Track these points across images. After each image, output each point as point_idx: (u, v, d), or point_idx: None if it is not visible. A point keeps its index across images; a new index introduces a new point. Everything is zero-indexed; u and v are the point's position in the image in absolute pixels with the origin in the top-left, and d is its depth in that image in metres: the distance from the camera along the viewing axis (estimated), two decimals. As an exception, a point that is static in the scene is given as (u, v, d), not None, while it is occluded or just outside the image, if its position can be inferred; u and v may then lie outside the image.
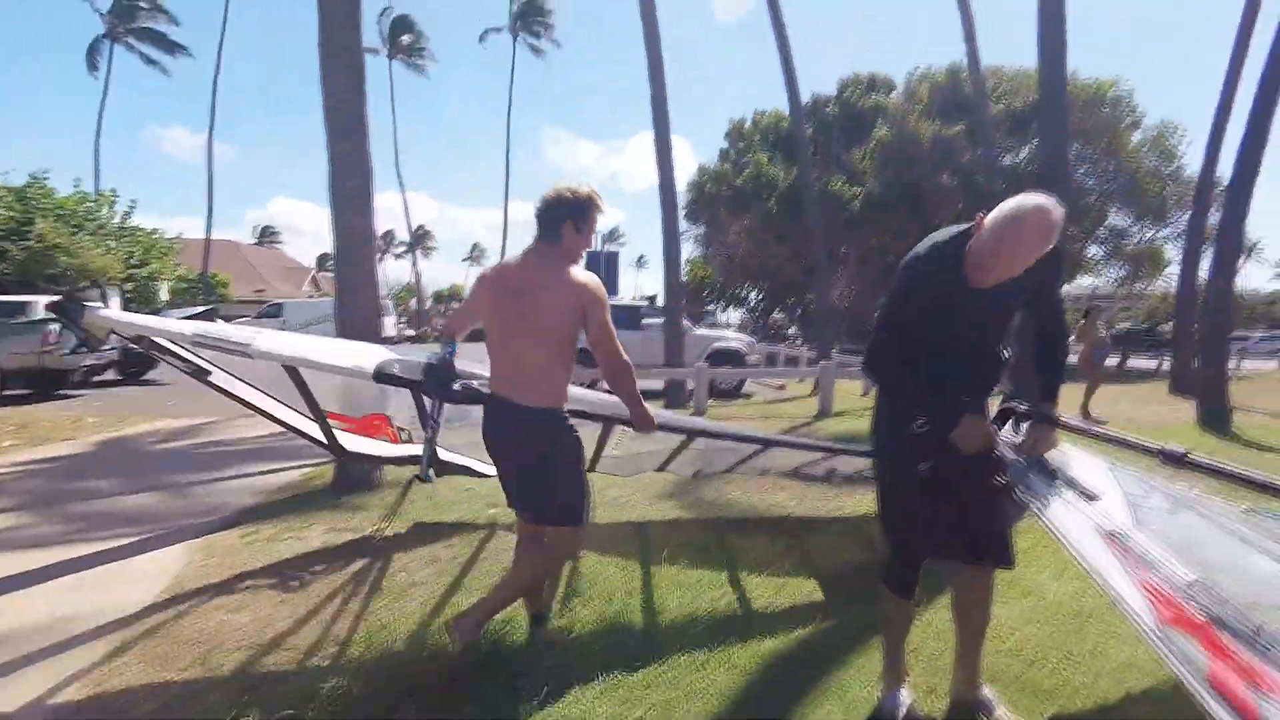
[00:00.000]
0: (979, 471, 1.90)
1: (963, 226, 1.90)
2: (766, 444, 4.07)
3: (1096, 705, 2.17)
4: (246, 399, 3.23)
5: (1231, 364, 11.90)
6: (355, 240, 4.99)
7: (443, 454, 3.32)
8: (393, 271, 68.12)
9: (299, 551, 3.60)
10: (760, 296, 42.06)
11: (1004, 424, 2.07)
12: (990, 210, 1.82)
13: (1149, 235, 24.88)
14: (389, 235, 67.26)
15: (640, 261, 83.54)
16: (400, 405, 3.86)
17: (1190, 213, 15.96)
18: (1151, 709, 2.15)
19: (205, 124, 37.90)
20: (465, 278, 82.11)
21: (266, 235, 68.02)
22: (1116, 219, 25.06)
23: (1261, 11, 11.95)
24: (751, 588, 3.10)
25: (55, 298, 2.74)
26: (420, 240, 65.70)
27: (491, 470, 4.01)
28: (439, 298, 59.85)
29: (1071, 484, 1.83)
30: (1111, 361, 19.77)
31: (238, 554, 3.56)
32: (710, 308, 46.23)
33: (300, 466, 5.49)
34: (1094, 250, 26.47)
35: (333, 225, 4.96)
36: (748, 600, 2.98)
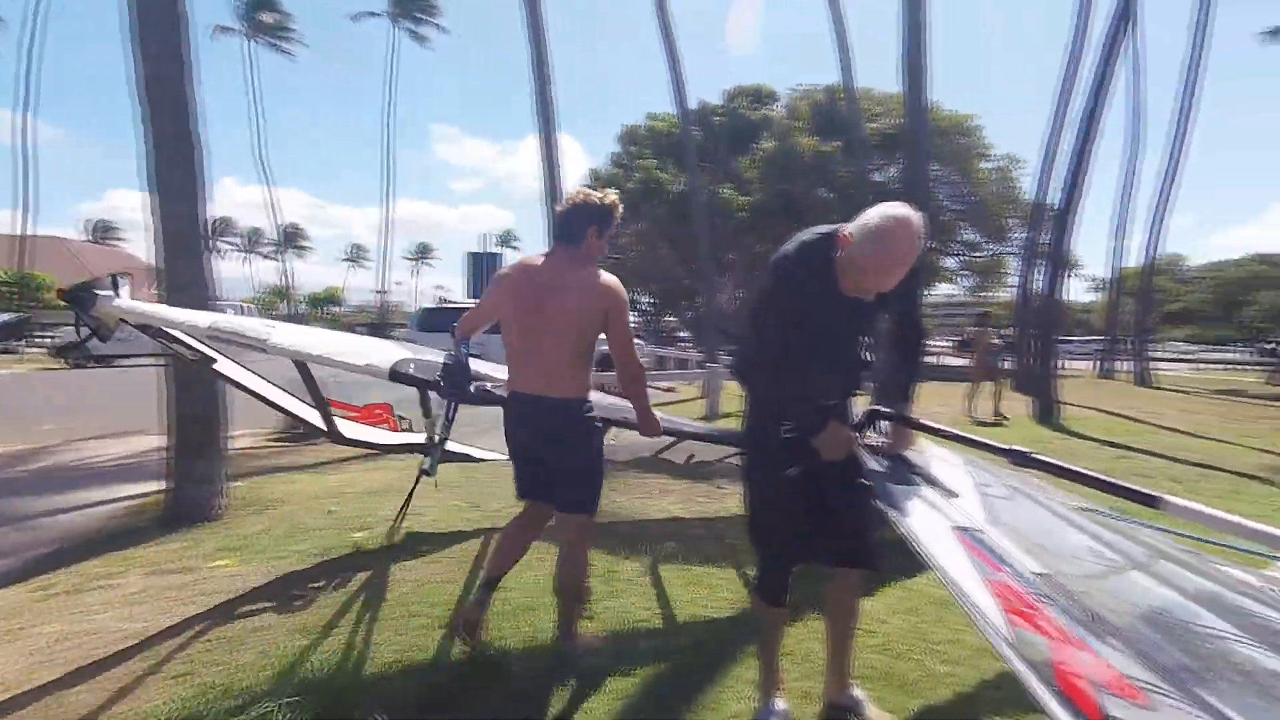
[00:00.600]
0: (844, 475, 1.95)
1: (827, 229, 1.91)
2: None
3: (955, 693, 2.28)
4: (250, 386, 3.30)
5: (1058, 365, 13.42)
6: (182, 232, 4.35)
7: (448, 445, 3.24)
8: (261, 272, 63.27)
9: (108, 602, 2.98)
10: (652, 300, 42.68)
11: (868, 427, 2.12)
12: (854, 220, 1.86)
13: (994, 251, 27.57)
14: (256, 233, 62.39)
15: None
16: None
17: (1027, 233, 17.81)
18: (1004, 692, 2.29)
19: (20, 100, 32.96)
20: (344, 280, 77.55)
21: (103, 231, 60.98)
22: (968, 235, 27.60)
23: (1082, 62, 13.49)
24: (628, 602, 3.06)
25: (68, 286, 2.67)
26: (292, 239, 61.30)
27: (486, 455, 4.06)
28: (314, 301, 56.10)
29: (932, 482, 1.91)
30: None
31: (21, 617, 2.86)
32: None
33: (127, 498, 4.80)
34: (950, 262, 29.03)
35: (154, 215, 4.30)
36: (630, 615, 2.94)
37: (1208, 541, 2.05)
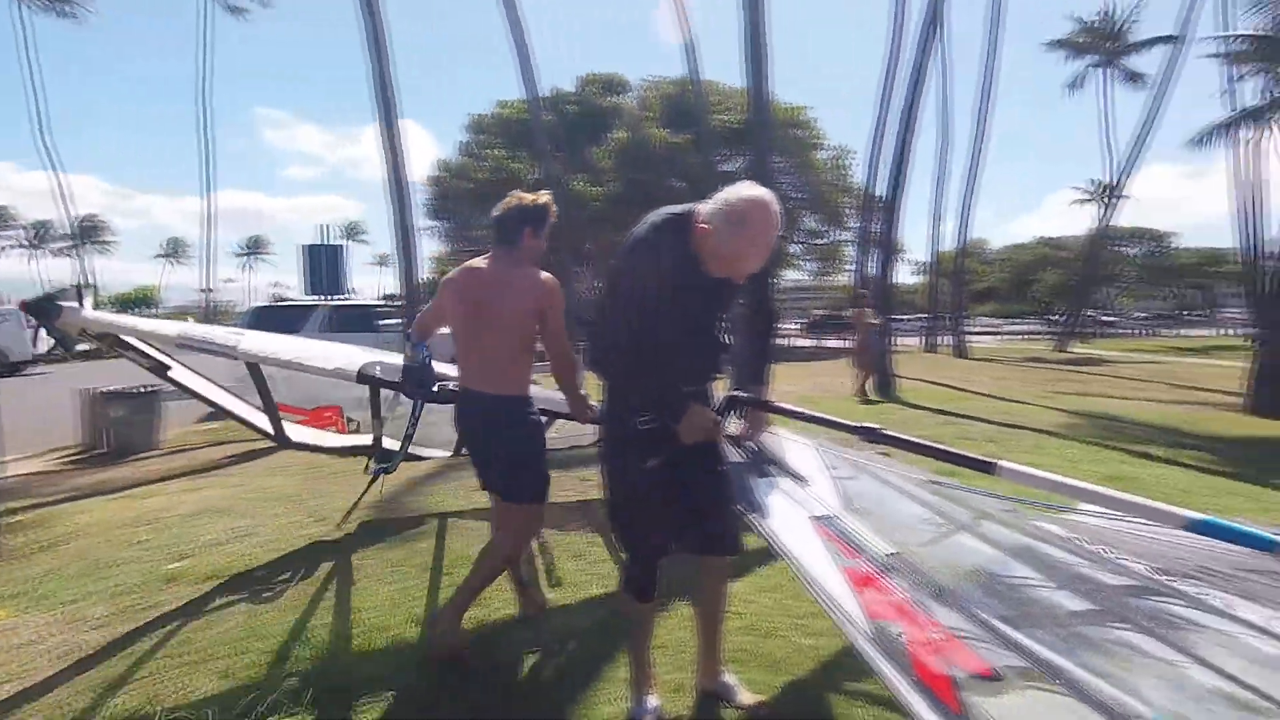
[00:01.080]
0: (703, 460, 1.91)
1: (680, 209, 1.87)
2: None
3: (820, 664, 2.34)
4: (201, 392, 3.40)
5: (890, 341, 14.69)
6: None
7: (390, 442, 3.43)
8: (52, 271, 54.76)
9: None
10: (509, 294, 41.73)
11: (728, 413, 2.10)
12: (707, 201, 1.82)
13: (833, 237, 29.70)
14: (43, 226, 53.91)
15: (383, 261, 77.46)
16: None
17: (861, 216, 19.31)
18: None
19: None
20: (161, 277, 68.83)
21: None
22: (809, 223, 29.50)
23: (899, 59, 14.72)
24: (489, 606, 2.89)
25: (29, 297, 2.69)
26: (90, 232, 53.48)
27: (434, 453, 4.06)
28: (123, 302, 49.13)
29: (788, 470, 1.92)
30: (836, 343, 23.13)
31: None
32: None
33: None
34: (794, 248, 30.90)
35: None
36: (491, 621, 2.77)
37: (1023, 501, 2.23)
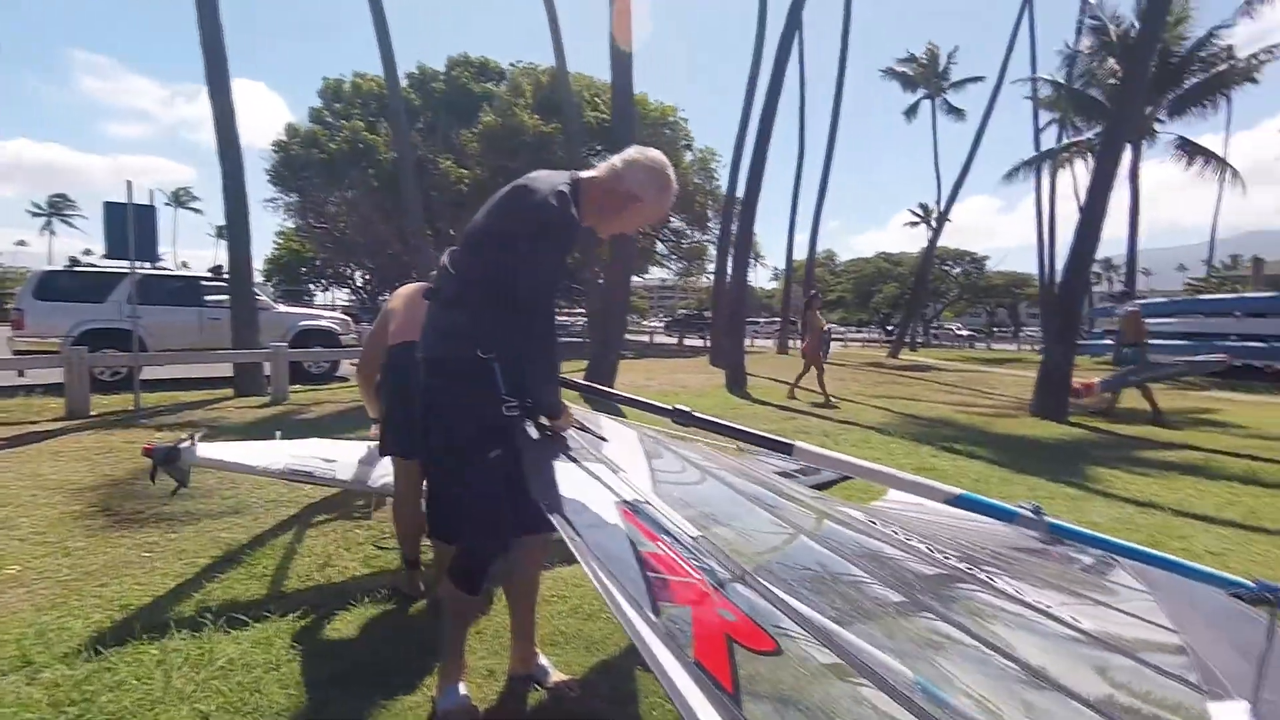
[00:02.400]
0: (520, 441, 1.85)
1: (565, 175, 1.82)
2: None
3: (605, 636, 2.36)
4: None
5: (746, 342, 15.49)
6: None
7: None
8: None
9: None
10: (367, 277, 39.39)
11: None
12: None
13: (698, 238, 30.69)
14: None
15: (221, 232, 69.65)
16: None
17: (721, 220, 20.13)
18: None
19: None
20: (-75, 232, 57.61)
21: None
22: (676, 223, 30.28)
23: (762, 65, 15.49)
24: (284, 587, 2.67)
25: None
26: None
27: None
28: None
29: (602, 457, 1.91)
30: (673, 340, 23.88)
31: None
32: (310, 287, 41.62)
33: None
34: (660, 247, 31.60)
35: None
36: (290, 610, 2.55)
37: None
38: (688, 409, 1.87)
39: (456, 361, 1.76)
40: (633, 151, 1.85)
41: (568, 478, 1.69)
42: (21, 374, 8.21)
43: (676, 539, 1.57)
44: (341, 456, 3.28)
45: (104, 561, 2.98)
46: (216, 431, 5.93)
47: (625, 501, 1.65)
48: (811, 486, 3.16)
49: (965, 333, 43.84)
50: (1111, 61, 20.41)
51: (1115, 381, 9.28)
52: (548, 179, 1.78)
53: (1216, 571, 1.39)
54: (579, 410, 2.09)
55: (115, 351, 8.39)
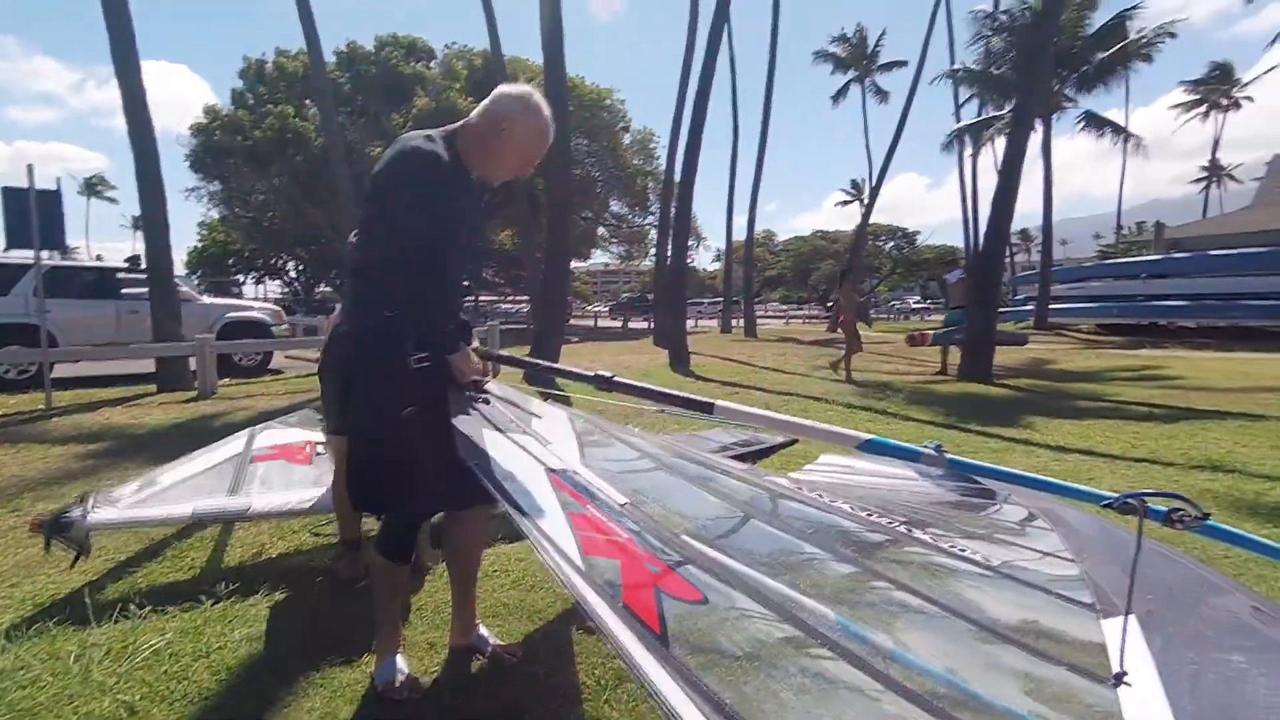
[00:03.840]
0: (451, 408, 1.83)
1: (442, 128, 1.84)
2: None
3: (575, 610, 2.37)
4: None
5: (690, 323, 15.65)
6: None
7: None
8: None
9: None
10: (300, 268, 37.95)
11: (487, 361, 2.06)
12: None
13: (640, 221, 30.67)
14: None
15: (137, 222, 65.63)
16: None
17: (660, 203, 20.16)
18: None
19: None
20: None
21: None
22: (616, 206, 30.18)
23: (696, 48, 15.54)
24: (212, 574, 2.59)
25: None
26: None
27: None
28: None
29: (530, 430, 1.91)
30: (621, 324, 23.85)
31: None
32: (240, 279, 39.81)
33: None
34: (602, 231, 31.43)
35: None
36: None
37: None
38: (609, 374, 1.90)
39: (366, 329, 1.76)
40: (497, 89, 1.87)
41: (496, 447, 1.69)
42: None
43: (604, 503, 1.59)
44: (262, 478, 3.04)
45: (14, 562, 2.83)
46: (137, 437, 5.67)
47: (553, 470, 1.66)
48: (745, 457, 3.23)
49: (920, 306, 45.21)
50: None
51: (943, 337, 10.44)
52: (418, 133, 1.81)
53: (1087, 489, 1.51)
54: (513, 392, 2.09)
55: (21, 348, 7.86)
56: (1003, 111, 22.62)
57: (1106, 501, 1.37)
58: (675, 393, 1.86)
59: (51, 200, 6.59)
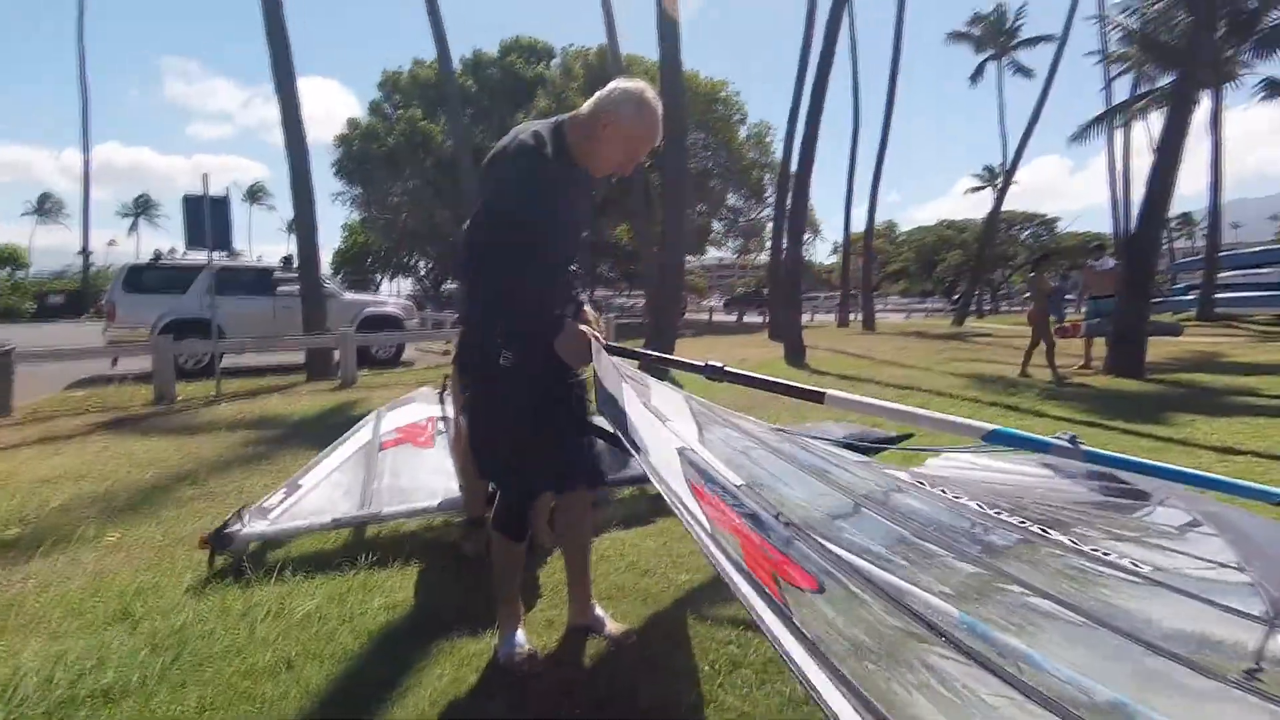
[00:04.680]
0: (561, 394, 1.89)
1: (545, 122, 1.86)
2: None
3: (691, 597, 2.38)
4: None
5: (806, 317, 15.21)
6: None
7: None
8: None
9: None
10: (430, 265, 40.36)
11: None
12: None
13: (756, 214, 30.16)
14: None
15: (292, 226, 72.24)
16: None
17: (776, 195, 19.68)
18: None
19: None
20: (31, 237, 62.23)
21: None
22: (732, 200, 29.82)
23: (815, 35, 15.02)
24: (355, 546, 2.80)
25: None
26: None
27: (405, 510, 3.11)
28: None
29: (650, 408, 1.92)
30: (756, 318, 23.56)
31: None
32: (376, 277, 43.05)
33: None
34: (717, 225, 31.16)
35: None
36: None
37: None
38: (720, 364, 1.88)
39: (472, 312, 1.87)
40: (612, 83, 1.85)
41: (631, 404, 1.71)
42: (115, 363, 8.82)
43: (721, 486, 1.57)
44: (391, 469, 3.22)
45: (192, 529, 3.19)
46: (290, 423, 6.25)
47: (677, 447, 1.66)
48: (857, 450, 3.09)
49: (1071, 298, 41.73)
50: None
51: (1096, 328, 9.44)
52: (524, 127, 1.84)
53: (1259, 486, 1.31)
54: (632, 368, 2.11)
55: (198, 340, 8.91)
56: (1154, 89, 20.24)
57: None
58: (786, 382, 1.83)
59: (222, 206, 7.41)
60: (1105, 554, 1.74)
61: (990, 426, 1.55)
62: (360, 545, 2.89)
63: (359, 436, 3.52)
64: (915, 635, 1.22)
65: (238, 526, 2.65)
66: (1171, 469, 1.45)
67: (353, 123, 27.45)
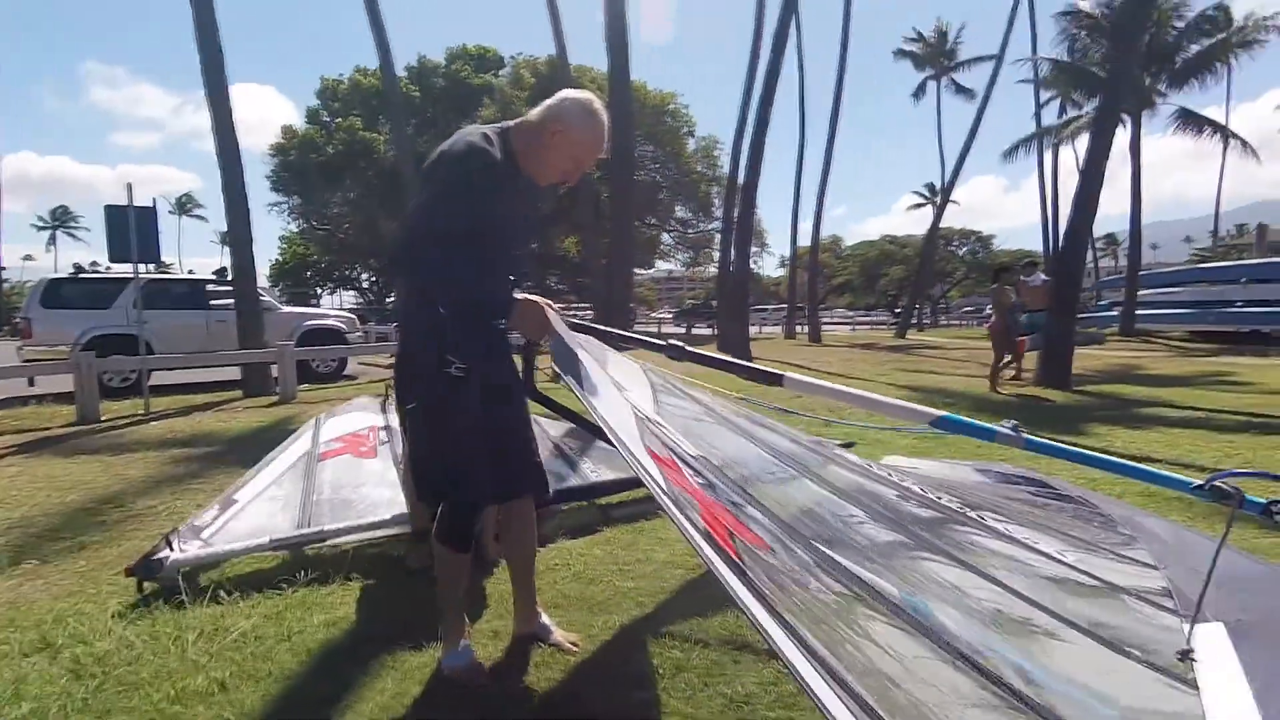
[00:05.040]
0: (507, 402, 1.90)
1: (496, 125, 1.86)
2: None
3: (638, 605, 2.40)
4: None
5: (754, 329, 15.49)
6: None
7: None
8: None
9: None
10: (373, 278, 39.49)
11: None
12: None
13: (704, 227, 30.61)
14: None
15: (225, 238, 69.39)
16: None
17: (724, 208, 20.06)
18: (679, 595, 2.48)
19: None
20: (-65, 251, 57.77)
21: None
22: (681, 212, 30.19)
23: (761, 51, 15.42)
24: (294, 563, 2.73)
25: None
26: None
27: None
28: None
29: (608, 375, 1.96)
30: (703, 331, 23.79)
31: None
32: (317, 290, 41.83)
33: None
34: (666, 238, 31.48)
35: None
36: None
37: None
38: (680, 343, 1.98)
39: (415, 321, 1.83)
40: (560, 92, 1.89)
41: (592, 370, 1.72)
42: (32, 382, 8.33)
43: (676, 454, 1.61)
44: (331, 482, 3.09)
45: (119, 552, 3.05)
46: (225, 440, 6.03)
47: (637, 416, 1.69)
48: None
49: (971, 310, 43.56)
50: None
51: (1038, 342, 9.74)
52: (472, 130, 1.84)
53: (1174, 475, 1.43)
54: (591, 338, 2.13)
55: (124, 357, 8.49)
56: (1084, 111, 21.52)
57: (1195, 485, 1.30)
58: (745, 364, 1.96)
59: (148, 216, 7.12)
60: (1035, 544, 1.87)
61: (938, 413, 1.65)
62: (300, 562, 2.81)
63: (297, 446, 3.42)
64: (857, 599, 1.29)
65: (166, 553, 2.52)
66: (1100, 457, 1.56)
67: (288, 130, 26.73)
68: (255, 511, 2.90)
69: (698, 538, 1.13)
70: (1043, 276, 10.87)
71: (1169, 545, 2.05)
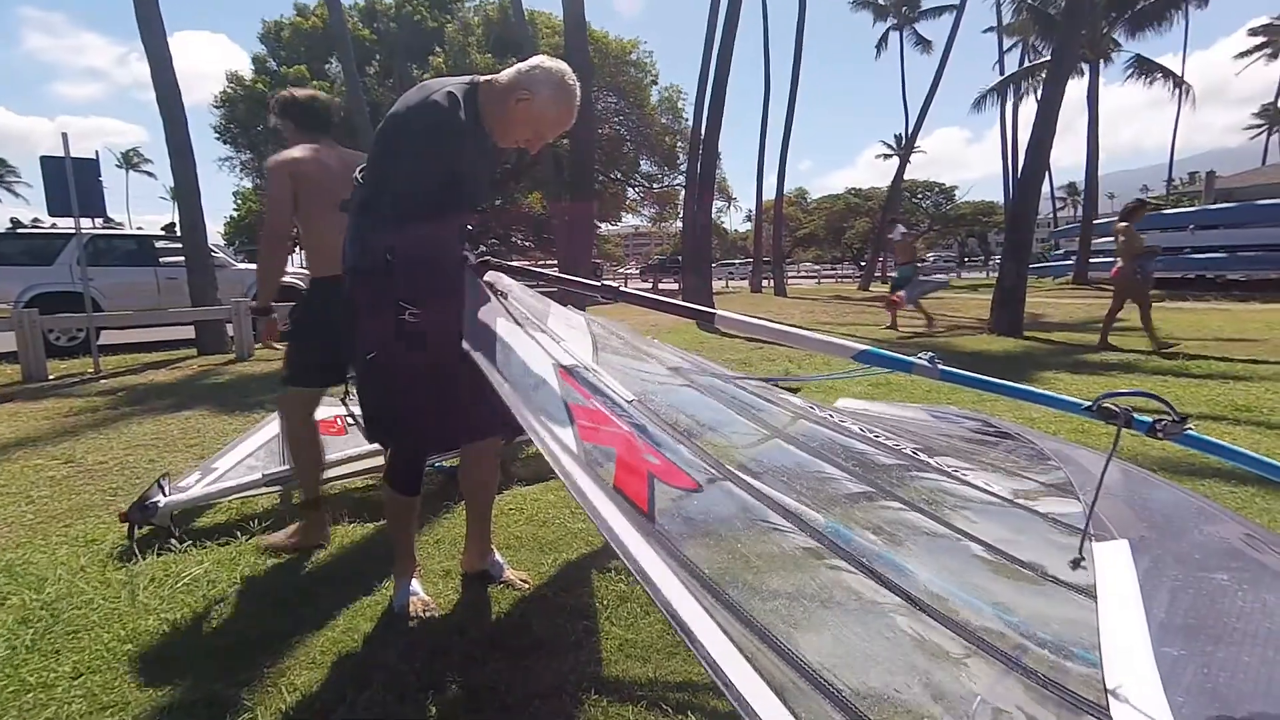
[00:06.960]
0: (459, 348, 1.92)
1: (461, 81, 1.83)
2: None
3: (587, 544, 2.48)
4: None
5: (721, 284, 15.54)
6: None
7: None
8: None
9: None
10: (333, 234, 38.33)
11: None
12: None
13: (670, 181, 30.28)
14: None
15: (174, 193, 66.59)
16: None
17: (688, 162, 19.85)
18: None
19: None
20: None
21: None
22: (646, 166, 29.78)
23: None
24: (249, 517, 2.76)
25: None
26: None
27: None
28: None
29: (545, 329, 1.99)
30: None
31: None
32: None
33: None
34: (632, 193, 31.10)
35: None
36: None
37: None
38: (616, 285, 2.09)
39: (368, 267, 1.80)
40: (536, 58, 1.86)
41: (510, 336, 1.76)
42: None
43: (610, 399, 1.66)
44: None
45: (68, 506, 3.03)
46: (181, 395, 5.93)
47: (563, 365, 1.74)
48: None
49: (934, 261, 44.28)
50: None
51: (912, 293, 10.20)
52: (442, 82, 1.81)
53: (1067, 398, 1.54)
54: (532, 293, 2.17)
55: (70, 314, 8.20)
56: (1044, 60, 21.59)
57: (1085, 406, 1.40)
58: (677, 303, 2.07)
59: (89, 169, 6.78)
60: (965, 476, 1.99)
61: (861, 347, 1.74)
62: (253, 514, 2.84)
63: (270, 428, 3.42)
64: (781, 530, 1.37)
65: (159, 498, 2.58)
66: (1005, 384, 1.66)
67: (234, 76, 25.42)
68: (236, 474, 2.91)
69: (597, 500, 1.20)
70: (902, 229, 11.34)
71: (1091, 474, 2.19)
